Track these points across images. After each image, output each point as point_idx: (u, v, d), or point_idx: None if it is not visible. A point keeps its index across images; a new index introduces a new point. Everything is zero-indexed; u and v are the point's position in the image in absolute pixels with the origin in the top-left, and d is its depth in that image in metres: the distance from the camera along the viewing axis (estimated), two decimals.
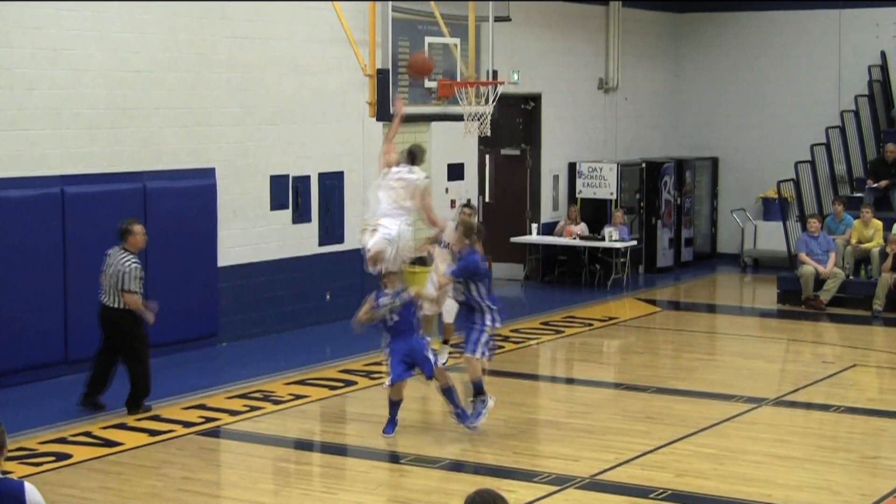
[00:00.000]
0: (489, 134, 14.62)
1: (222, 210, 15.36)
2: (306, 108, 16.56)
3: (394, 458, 10.62)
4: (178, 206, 14.75)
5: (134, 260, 11.83)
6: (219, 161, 15.37)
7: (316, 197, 16.78)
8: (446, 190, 19.19)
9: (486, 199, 20.84)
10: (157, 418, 11.88)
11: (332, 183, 17.03)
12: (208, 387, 12.76)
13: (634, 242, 21.06)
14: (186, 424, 11.62)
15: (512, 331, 16.32)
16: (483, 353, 11.34)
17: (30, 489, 5.42)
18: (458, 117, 17.02)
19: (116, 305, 11.81)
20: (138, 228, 12.02)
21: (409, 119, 17.87)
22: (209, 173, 15.23)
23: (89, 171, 13.86)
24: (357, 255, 17.21)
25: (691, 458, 10.50)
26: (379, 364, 14.39)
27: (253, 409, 12.21)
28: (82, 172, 13.79)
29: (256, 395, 12.75)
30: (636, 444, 10.89)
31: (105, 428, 11.50)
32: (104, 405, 12.13)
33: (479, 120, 14.95)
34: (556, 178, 21.77)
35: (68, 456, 10.59)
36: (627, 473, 10.06)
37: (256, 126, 15.88)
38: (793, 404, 12.65)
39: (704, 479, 9.91)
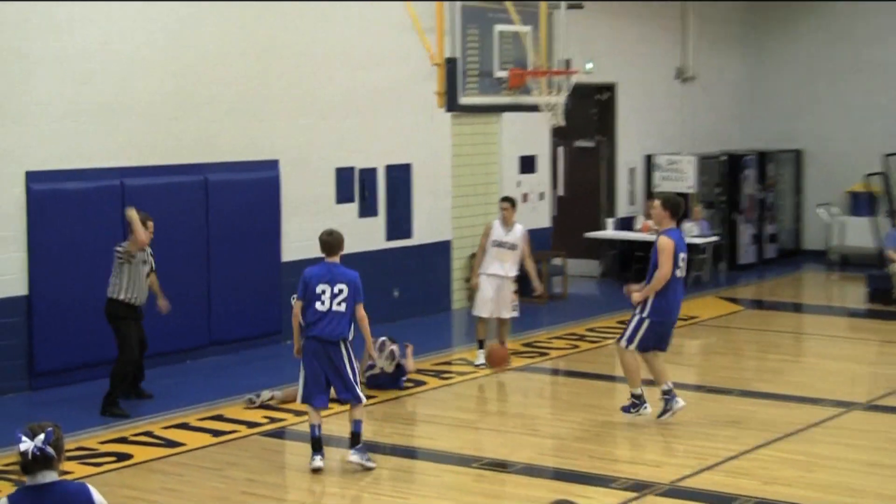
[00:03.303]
0: (562, 125, 14.53)
1: (286, 203, 15.39)
2: (372, 98, 16.55)
3: (465, 461, 10.54)
4: (240, 199, 14.79)
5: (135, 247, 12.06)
6: (282, 153, 15.40)
7: (383, 190, 16.80)
8: (518, 183, 19.14)
9: (559, 193, 20.75)
10: (220, 418, 11.92)
11: (400, 175, 17.04)
12: (273, 386, 12.74)
13: (715, 238, 20.90)
14: (250, 425, 11.64)
15: (588, 330, 16.26)
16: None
17: (94, 492, 5.42)
18: (530, 108, 16.98)
19: (109, 295, 12.06)
20: (150, 224, 12.20)
21: (480, 110, 17.97)
22: (272, 165, 15.26)
23: (149, 163, 13.94)
24: (425, 249, 17.58)
25: (778, 465, 10.32)
26: (448, 364, 14.39)
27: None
28: (141, 164, 13.87)
29: None
30: (719, 449, 10.75)
31: (167, 428, 11.55)
32: (150, 393, 12.48)
33: (551, 111, 14.85)
34: (632, 171, 21.69)
35: (129, 456, 10.63)
36: (711, 480, 9.91)
37: (321, 117, 15.89)
38: (886, 409, 12.41)
39: (792, 488, 9.73)
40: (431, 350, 14.87)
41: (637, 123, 21.71)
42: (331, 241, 10.25)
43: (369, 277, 16.36)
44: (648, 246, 20.28)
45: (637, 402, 11.62)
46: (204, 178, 14.43)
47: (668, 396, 11.66)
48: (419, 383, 13.37)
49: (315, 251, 15.68)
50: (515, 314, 14.21)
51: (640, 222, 20.90)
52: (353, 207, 16.44)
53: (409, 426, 12.12)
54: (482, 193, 18.52)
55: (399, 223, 17.07)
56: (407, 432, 11.84)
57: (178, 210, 14.06)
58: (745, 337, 16.74)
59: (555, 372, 14.45)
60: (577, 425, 11.61)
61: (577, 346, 15.42)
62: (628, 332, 11.53)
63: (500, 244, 14.03)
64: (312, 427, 10.23)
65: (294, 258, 15.47)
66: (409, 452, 11.01)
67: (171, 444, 11.03)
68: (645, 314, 11.43)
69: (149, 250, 12.38)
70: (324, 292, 10.05)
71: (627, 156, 21.58)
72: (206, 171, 14.49)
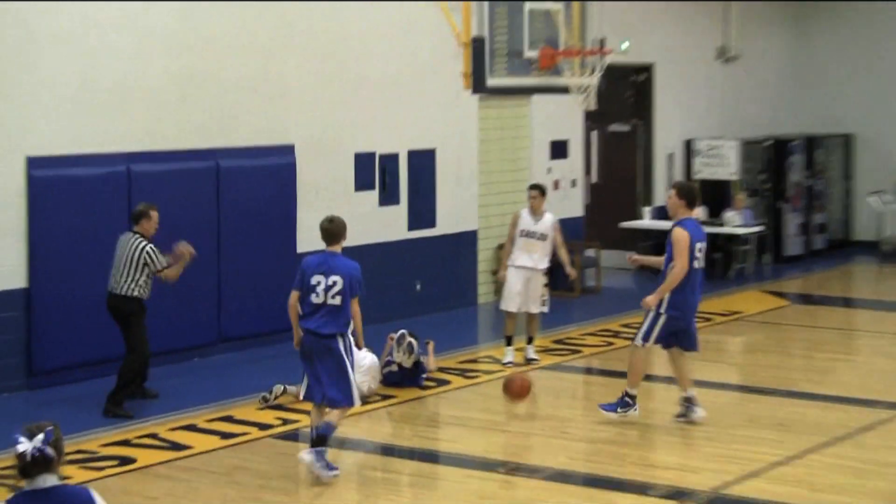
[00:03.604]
0: (595, 108, 14.43)
1: (302, 191, 15.35)
2: (394, 79, 16.51)
3: (491, 466, 10.46)
4: (253, 186, 14.76)
5: (147, 241, 12.01)
6: (298, 137, 15.36)
7: (405, 177, 16.77)
8: (548, 170, 19.10)
9: (593, 180, 20.70)
10: (230, 419, 11.85)
11: (423, 161, 17.00)
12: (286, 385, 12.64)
13: (759, 228, 20.82)
14: (262, 427, 11.57)
15: (623, 325, 16.19)
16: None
17: (97, 497, 5.40)
18: (562, 90, 16.87)
19: (124, 293, 11.98)
20: (155, 215, 12.18)
21: (509, 92, 17.88)
22: (288, 151, 15.22)
23: (157, 149, 13.91)
24: (450, 240, 17.49)
25: (827, 472, 10.22)
26: (474, 362, 14.31)
27: None
28: (149, 149, 13.83)
29: None
30: (764, 454, 10.66)
31: (173, 430, 11.50)
32: (156, 393, 12.49)
33: (583, 93, 14.72)
34: (670, 156, 21.66)
35: (132, 460, 10.57)
36: (754, 487, 9.81)
37: (340, 99, 15.84)
38: None
39: (843, 496, 9.63)
40: (456, 347, 14.84)
41: (676, 106, 21.65)
42: (331, 230, 10.14)
43: (390, 270, 16.60)
44: None
45: (628, 403, 11.56)
46: (215, 164, 14.40)
47: (687, 405, 11.65)
48: (442, 382, 13.32)
49: None
50: (545, 309, 14.13)
51: None
52: (374, 195, 16.40)
53: (431, 428, 12.07)
54: (510, 181, 18.46)
55: (422, 212, 17.04)
56: (428, 434, 11.77)
57: (187, 198, 14.03)
58: (791, 334, 16.66)
59: (588, 371, 14.37)
60: (612, 428, 11.50)
61: (611, 344, 15.34)
62: (644, 329, 11.46)
63: (528, 234, 13.96)
64: (313, 430, 10.11)
65: (310, 249, 15.20)
66: (431, 456, 10.94)
67: (178, 447, 10.97)
68: (661, 309, 11.35)
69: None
70: (318, 284, 9.95)
71: (665, 141, 21.55)
72: (217, 156, 14.46)
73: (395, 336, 12.94)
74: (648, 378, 13.30)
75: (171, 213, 13.11)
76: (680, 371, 11.68)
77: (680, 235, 11.21)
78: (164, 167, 13.87)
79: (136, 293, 12.02)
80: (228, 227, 14.51)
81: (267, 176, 14.93)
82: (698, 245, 11.31)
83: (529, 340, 14.25)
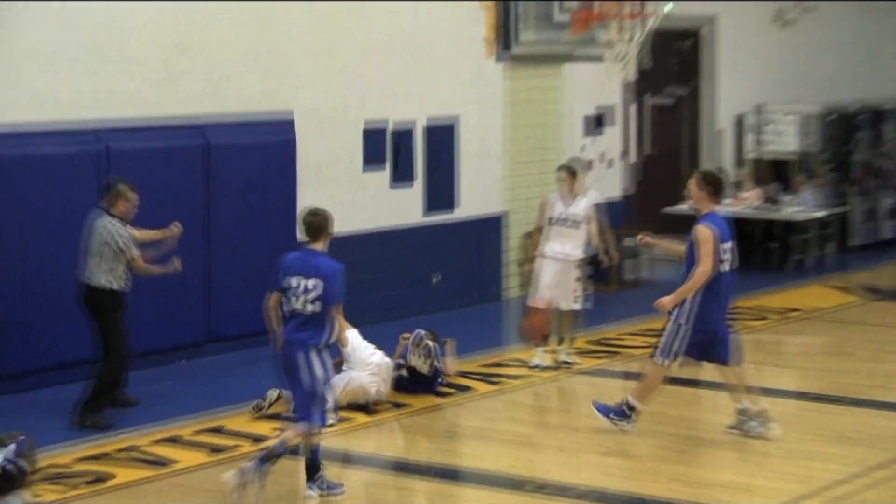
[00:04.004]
0: (636, 78, 14.35)
1: (303, 170, 15.32)
2: (409, 44, 16.50)
3: (518, 484, 10.41)
4: (247, 164, 14.73)
5: (121, 223, 11.93)
6: (299, 109, 15.34)
7: (421, 153, 16.76)
8: (583, 147, 19.05)
9: (633, 159, 20.62)
10: (220, 431, 11.78)
11: (442, 136, 16.97)
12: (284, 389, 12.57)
13: (821, 214, 20.73)
14: (257, 439, 11.47)
15: None
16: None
17: None
18: (598, 57, 16.74)
19: (101, 284, 11.93)
20: (134, 197, 12.08)
21: (538, 59, 17.79)
22: (287, 125, 15.21)
23: (137, 123, 13.86)
24: (472, 226, 17.40)
25: None
26: (499, 365, 14.25)
27: (341, 420, 12.06)
28: (129, 125, 13.78)
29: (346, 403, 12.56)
30: (827, 470, 10.64)
31: (155, 442, 11.43)
32: (136, 400, 12.51)
33: (622, 61, 14.63)
34: (720, 132, 21.65)
35: (110, 477, 10.52)
36: None
37: (346, 66, 15.83)
38: None
39: None
40: (478, 349, 14.79)
41: (727, 75, 21.61)
42: (314, 224, 10.05)
43: (403, 259, 16.53)
44: (740, 224, 20.33)
45: (626, 414, 11.49)
46: (204, 139, 14.37)
47: (742, 417, 11.58)
48: (463, 389, 13.26)
49: (338, 227, 15.66)
50: (578, 306, 14.03)
51: (730, 195, 20.65)
52: (385, 174, 16.39)
53: (450, 441, 12.01)
54: (540, 159, 18.41)
55: (440, 193, 17.02)
56: (447, 448, 11.71)
57: (172, 179, 13.97)
58: (857, 334, 16.54)
59: (628, 376, 14.18)
60: (655, 441, 11.49)
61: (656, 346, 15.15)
62: (664, 344, 11.37)
63: (560, 221, 13.90)
64: (308, 449, 10.01)
65: None
66: (450, 473, 10.89)
67: (161, 462, 10.91)
68: (683, 320, 11.26)
69: (129, 227, 12.23)
70: (297, 286, 9.84)
71: (715, 115, 21.54)
72: (206, 131, 14.43)
73: (411, 337, 12.80)
74: (696, 384, 13.28)
75: (153, 197, 13.03)
76: (729, 383, 11.61)
77: (705, 234, 11.10)
78: (146, 143, 13.83)
79: (114, 285, 11.94)
80: (219, 212, 14.46)
81: (263, 153, 14.89)
82: (725, 245, 11.22)
83: (562, 341, 14.17)
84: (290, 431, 9.96)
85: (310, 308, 9.78)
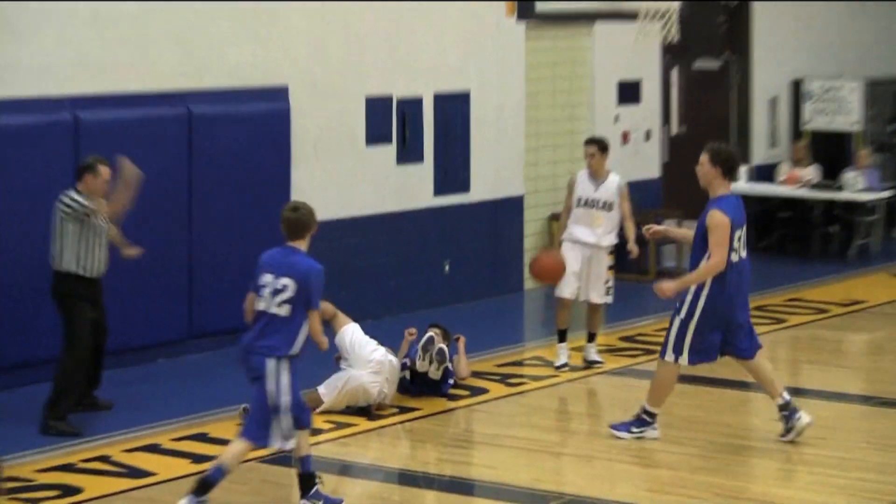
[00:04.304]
0: (677, 40, 14.34)
1: (298, 145, 15.35)
2: (416, 4, 16.49)
3: (540, 499, 10.44)
4: (235, 139, 14.74)
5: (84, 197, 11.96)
6: (294, 77, 15.37)
7: (430, 127, 16.77)
8: (616, 118, 19.08)
9: (673, 132, 20.64)
10: (202, 438, 11.82)
11: (454, 108, 16.99)
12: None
13: (888, 194, 20.67)
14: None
15: None
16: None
17: None
18: (635, 15, 16.68)
19: (62, 269, 11.99)
20: (106, 171, 12.07)
21: (564, 19, 17.75)
22: (280, 94, 15.24)
23: (112, 91, 13.87)
24: (488, 208, 17.42)
25: None
26: (518, 364, 14.28)
27: (339, 425, 12.12)
28: (102, 92, 13.79)
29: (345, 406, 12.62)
30: (891, 484, 10.62)
31: (130, 451, 11.45)
32: (109, 403, 12.51)
33: (661, 19, 14.58)
34: (773, 101, 21.69)
35: (78, 490, 10.53)
36: None
37: (346, 30, 15.84)
38: None
39: None
40: (495, 346, 14.82)
41: (781, 37, 21.65)
42: (295, 221, 9.97)
43: (411, 245, 16.55)
44: (794, 205, 20.42)
45: (647, 421, 11.62)
46: (186, 110, 14.40)
47: (785, 412, 11.58)
48: (478, 391, 13.29)
49: (338, 209, 15.77)
50: (610, 299, 14.08)
51: (784, 171, 20.89)
52: (391, 151, 16.41)
53: (463, 450, 11.98)
54: (567, 132, 18.43)
55: (452, 172, 17.04)
56: (459, 458, 11.66)
57: (150, 154, 13.84)
58: None
59: (682, 378, 14.14)
60: (697, 450, 11.50)
61: None
62: (671, 341, 11.40)
63: (588, 202, 13.88)
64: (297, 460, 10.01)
65: None
66: (463, 486, 10.90)
67: (137, 473, 10.92)
68: (686, 315, 11.29)
69: (103, 203, 12.24)
70: (265, 285, 9.85)
71: (767, 81, 21.57)
72: (189, 101, 14.46)
73: (422, 340, 12.75)
74: (745, 386, 13.26)
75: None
76: (759, 377, 11.64)
77: (720, 221, 11.10)
78: (121, 114, 13.85)
79: (73, 268, 11.96)
80: (203, 192, 14.48)
81: (253, 126, 14.91)
82: (738, 232, 11.22)
83: (591, 337, 14.17)
84: (232, 451, 9.87)
85: (278, 311, 9.75)
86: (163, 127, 14.17)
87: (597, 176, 13.93)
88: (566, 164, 17.72)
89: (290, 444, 9.91)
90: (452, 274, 17.06)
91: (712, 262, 11.07)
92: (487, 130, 17.35)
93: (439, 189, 16.96)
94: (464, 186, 17.19)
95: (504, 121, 17.62)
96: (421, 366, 12.71)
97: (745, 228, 11.35)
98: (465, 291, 17.06)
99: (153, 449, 11.50)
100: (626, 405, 13.00)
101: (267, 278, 9.82)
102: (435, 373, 12.78)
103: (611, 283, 14.13)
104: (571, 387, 13.65)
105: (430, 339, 12.78)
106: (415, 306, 16.06)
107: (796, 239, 20.63)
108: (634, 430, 11.62)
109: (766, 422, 12.03)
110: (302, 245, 9.96)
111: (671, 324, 11.43)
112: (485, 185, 17.41)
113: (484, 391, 13.29)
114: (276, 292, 9.75)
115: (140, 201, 12.50)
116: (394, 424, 12.31)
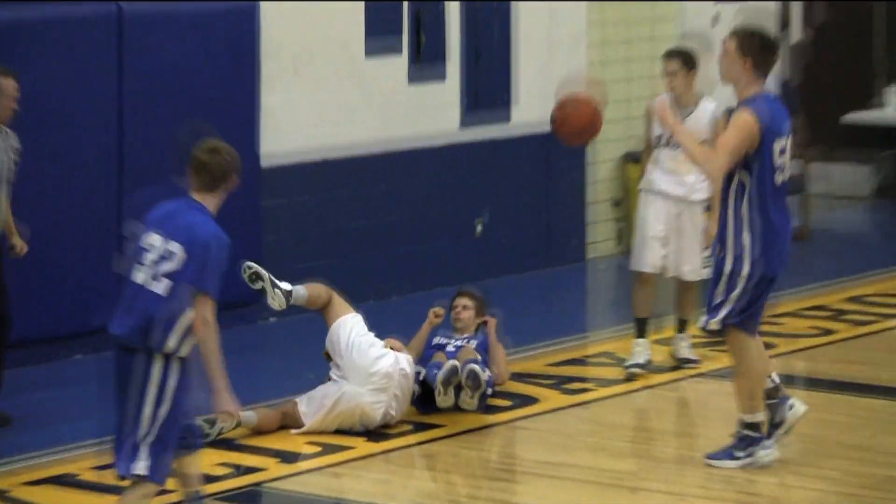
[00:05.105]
0: None
1: (270, 59, 15.52)
2: None
3: None
4: (182, 48, 14.88)
5: None
6: None
7: (456, 32, 16.89)
8: (715, 18, 19.08)
9: (796, 38, 20.65)
10: None
11: (489, 8, 17.00)
12: (243, 402, 12.60)
13: None
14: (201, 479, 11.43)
15: (850, 299, 16.43)
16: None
17: None
18: None
19: None
20: (11, 84, 12.25)
21: None
22: None
23: None
24: (536, 144, 17.41)
25: None
26: (580, 364, 14.46)
27: (326, 448, 12.20)
28: None
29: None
30: None
31: (36, 483, 11.49)
32: (8, 416, 12.69)
33: None
34: None
35: None
36: None
37: None
38: None
39: None
40: (546, 337, 15.01)
41: None
42: (209, 166, 9.87)
43: (430, 195, 16.61)
44: None
45: (753, 438, 11.60)
46: (117, 8, 14.53)
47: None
48: (523, 401, 13.39)
49: (325, 147, 15.78)
50: (706, 273, 13.97)
51: None
52: (401, 63, 16.56)
53: (504, 481, 12.14)
54: (647, 38, 18.43)
55: (487, 93, 17.19)
56: (501, 490, 11.81)
57: (70, 65, 14.18)
58: None
59: (786, 380, 14.13)
60: (829, 484, 11.63)
61: (829, 331, 15.51)
62: (716, 300, 11.43)
63: (672, 141, 13.78)
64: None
65: (283, 160, 15.48)
66: None
67: None
68: (734, 263, 11.33)
69: (10, 135, 12.39)
70: (150, 248, 9.65)
71: None
72: None
73: (443, 373, 12.49)
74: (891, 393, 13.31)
75: (41, 91, 13.29)
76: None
77: (743, 120, 11.05)
78: (31, 14, 14.04)
79: None
80: (137, 117, 14.64)
81: (207, 32, 15.08)
82: (780, 143, 11.18)
83: (682, 326, 14.23)
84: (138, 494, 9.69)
85: (154, 286, 9.60)
86: (87, 30, 14.37)
87: (682, 103, 13.82)
88: (644, 83, 17.68)
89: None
90: (486, 237, 17.19)
91: (714, 165, 11.18)
92: (536, 34, 17.47)
93: (468, 118, 17.06)
94: (503, 114, 17.32)
95: (556, 24, 17.77)
96: (442, 401, 12.59)
97: (789, 140, 11.31)
98: (503, 262, 17.21)
99: (66, 481, 11.53)
100: (728, 417, 13.07)
101: (154, 240, 9.60)
102: (470, 402, 12.69)
103: (709, 252, 14.09)
104: (654, 395, 13.79)
105: (454, 371, 12.58)
106: (432, 282, 16.16)
107: None
108: (739, 454, 11.60)
109: None
110: (210, 202, 9.79)
111: (715, 278, 11.54)
112: (532, 111, 17.33)
113: (532, 401, 13.39)
114: (161, 260, 9.51)
115: (56, 131, 12.54)
116: (406, 447, 12.36)
